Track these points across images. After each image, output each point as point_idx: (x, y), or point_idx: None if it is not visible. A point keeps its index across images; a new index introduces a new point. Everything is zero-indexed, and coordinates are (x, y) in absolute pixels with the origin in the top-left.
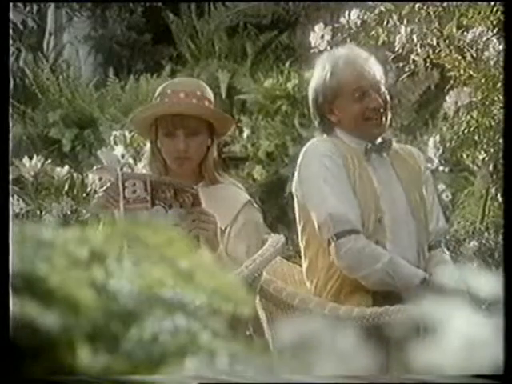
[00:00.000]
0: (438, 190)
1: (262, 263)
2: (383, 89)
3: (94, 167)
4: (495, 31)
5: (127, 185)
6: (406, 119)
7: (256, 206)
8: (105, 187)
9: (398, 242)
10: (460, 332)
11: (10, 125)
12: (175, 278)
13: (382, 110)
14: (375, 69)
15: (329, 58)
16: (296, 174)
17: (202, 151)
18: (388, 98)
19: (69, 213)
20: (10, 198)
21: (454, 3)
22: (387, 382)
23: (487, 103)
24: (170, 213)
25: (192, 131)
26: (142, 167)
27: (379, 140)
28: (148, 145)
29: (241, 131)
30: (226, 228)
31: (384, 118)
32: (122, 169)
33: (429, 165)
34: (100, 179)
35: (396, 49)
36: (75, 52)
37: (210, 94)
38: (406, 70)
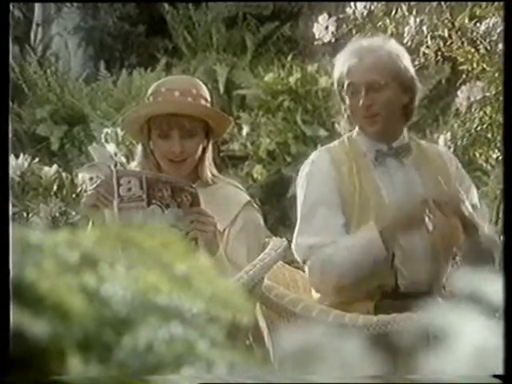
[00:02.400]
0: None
1: (263, 268)
2: (388, 87)
3: (85, 165)
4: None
5: (122, 182)
6: (415, 115)
7: (256, 206)
8: (95, 184)
9: (409, 255)
10: (471, 340)
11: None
12: (171, 283)
13: (375, 109)
14: (381, 65)
15: (345, 50)
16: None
17: (198, 152)
18: (394, 98)
19: (57, 215)
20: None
21: None
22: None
23: (501, 98)
24: (166, 213)
25: (187, 132)
26: (135, 167)
27: (396, 144)
28: (139, 147)
29: (240, 128)
30: (224, 230)
31: (380, 118)
32: (115, 165)
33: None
34: (91, 179)
35: (405, 41)
36: (64, 44)
37: (205, 92)
38: (416, 63)
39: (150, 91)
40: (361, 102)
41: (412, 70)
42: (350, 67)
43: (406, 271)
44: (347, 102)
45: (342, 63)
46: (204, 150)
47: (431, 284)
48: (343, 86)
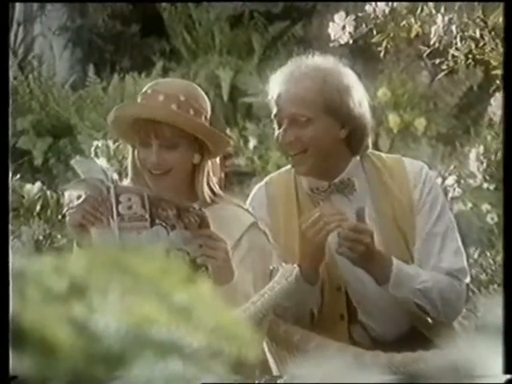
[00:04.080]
0: (451, 220)
1: (272, 299)
2: (316, 122)
3: (72, 181)
4: None
5: (121, 199)
6: (443, 126)
7: (262, 228)
8: (80, 200)
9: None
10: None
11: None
12: (170, 314)
13: (299, 146)
14: (310, 96)
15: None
16: None
17: (184, 168)
18: (326, 133)
19: (41, 238)
20: None
21: None
22: None
23: None
24: (172, 235)
25: (167, 142)
26: (128, 184)
27: (337, 180)
28: (129, 158)
29: (246, 141)
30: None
31: (309, 156)
32: (112, 180)
33: (451, 183)
34: (79, 197)
35: (432, 42)
36: (48, 46)
37: (200, 102)
38: (444, 67)
39: (141, 92)
40: (280, 137)
41: (356, 97)
42: (279, 94)
43: (374, 324)
44: (275, 134)
45: (274, 86)
46: (196, 167)
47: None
48: (272, 114)
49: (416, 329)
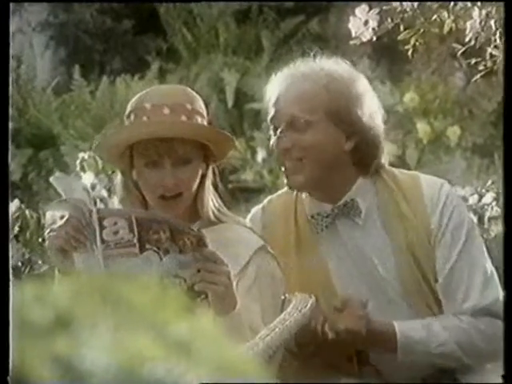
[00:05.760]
0: (482, 252)
1: (284, 333)
2: (316, 127)
3: (54, 201)
4: None
5: (106, 224)
6: (479, 136)
7: (272, 252)
8: (62, 221)
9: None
10: None
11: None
12: (166, 349)
13: (294, 154)
14: (310, 96)
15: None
16: None
17: (196, 182)
18: (327, 142)
19: (20, 264)
20: None
21: None
22: None
23: None
24: (165, 260)
25: (182, 159)
26: (118, 202)
27: (342, 202)
28: (118, 177)
29: (254, 152)
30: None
31: (304, 166)
32: (95, 202)
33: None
34: (62, 218)
35: (467, 39)
36: (28, 44)
37: (201, 105)
38: (481, 68)
39: (130, 107)
40: (274, 141)
41: (366, 107)
42: (277, 96)
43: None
44: (271, 139)
45: (272, 88)
46: (203, 178)
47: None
48: (269, 118)
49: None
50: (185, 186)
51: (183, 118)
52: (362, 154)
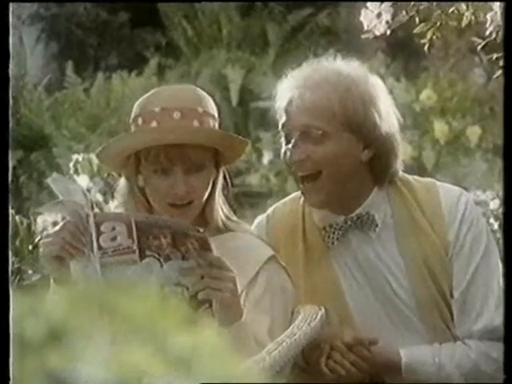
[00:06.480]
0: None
1: (292, 348)
2: (335, 138)
3: (47, 203)
4: None
5: (103, 229)
6: (500, 136)
7: (282, 263)
8: (58, 227)
9: None
10: None
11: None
12: (167, 363)
13: (310, 167)
14: (327, 106)
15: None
16: None
17: (207, 190)
18: (345, 153)
19: (9, 273)
20: None
21: None
22: None
23: None
24: (166, 267)
25: (194, 165)
26: (115, 207)
27: (356, 214)
28: (122, 181)
29: (260, 155)
30: (240, 294)
31: (323, 181)
32: (92, 207)
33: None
34: (54, 224)
35: (487, 33)
36: (18, 39)
37: (212, 105)
38: (502, 64)
39: (136, 110)
40: (288, 153)
41: (384, 113)
42: (289, 101)
43: None
44: (282, 149)
45: (283, 92)
46: (214, 184)
47: None
48: (280, 124)
49: None
50: (196, 195)
51: (195, 122)
52: (380, 163)
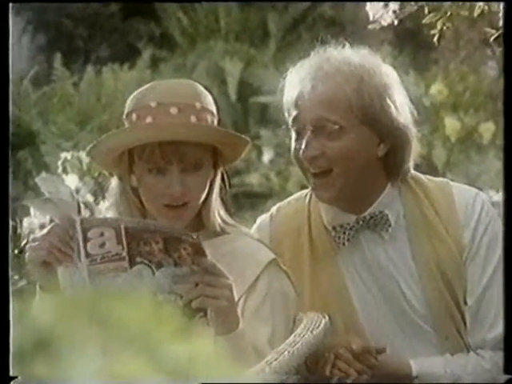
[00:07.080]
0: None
1: (293, 357)
2: (350, 132)
3: (34, 200)
4: None
5: (91, 235)
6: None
7: (284, 268)
8: (45, 230)
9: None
10: None
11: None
12: (160, 374)
13: (323, 163)
14: (342, 98)
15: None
16: None
17: (205, 191)
18: (360, 148)
19: (9, 277)
20: None
21: None
22: None
23: None
24: (158, 274)
25: (191, 164)
26: (106, 208)
27: (368, 213)
28: (114, 181)
29: (260, 153)
30: (238, 301)
31: (335, 178)
32: (79, 210)
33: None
34: (42, 226)
35: (501, 23)
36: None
37: (210, 100)
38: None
39: (130, 105)
40: (302, 150)
41: (399, 105)
42: (300, 94)
43: None
44: (292, 144)
45: (292, 84)
46: (211, 185)
47: None
48: (290, 119)
49: None
50: (192, 195)
51: (193, 118)
52: (394, 158)
